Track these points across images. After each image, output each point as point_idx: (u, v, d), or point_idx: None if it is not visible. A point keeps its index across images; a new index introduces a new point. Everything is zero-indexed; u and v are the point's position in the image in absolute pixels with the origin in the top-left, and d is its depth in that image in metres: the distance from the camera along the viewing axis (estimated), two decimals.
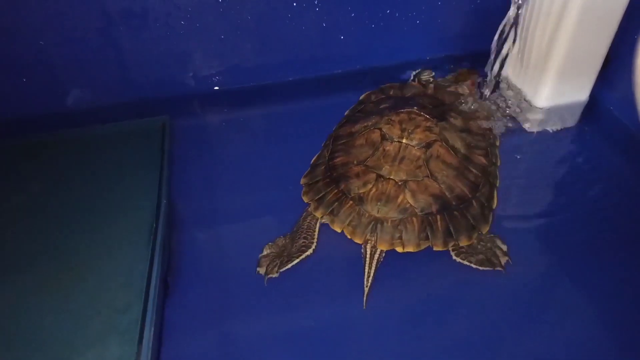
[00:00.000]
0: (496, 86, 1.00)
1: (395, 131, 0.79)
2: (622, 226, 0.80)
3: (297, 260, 0.74)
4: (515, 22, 0.92)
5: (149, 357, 0.64)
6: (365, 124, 0.85)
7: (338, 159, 0.82)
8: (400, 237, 0.72)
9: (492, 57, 0.96)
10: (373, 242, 0.73)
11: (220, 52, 1.07)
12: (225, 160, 0.97)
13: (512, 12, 0.90)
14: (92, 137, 1.01)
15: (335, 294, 0.74)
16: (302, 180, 0.85)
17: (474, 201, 0.77)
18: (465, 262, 0.74)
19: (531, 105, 0.97)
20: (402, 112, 0.82)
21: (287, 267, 0.74)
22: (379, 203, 0.74)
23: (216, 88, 1.12)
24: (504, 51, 0.95)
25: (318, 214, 0.77)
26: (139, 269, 0.74)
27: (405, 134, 0.79)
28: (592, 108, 0.98)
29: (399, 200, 0.74)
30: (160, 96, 1.09)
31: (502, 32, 0.93)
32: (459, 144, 0.81)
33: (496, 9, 0.95)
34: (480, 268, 0.73)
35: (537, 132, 0.96)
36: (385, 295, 0.72)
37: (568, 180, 0.88)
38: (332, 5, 1.04)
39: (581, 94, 0.96)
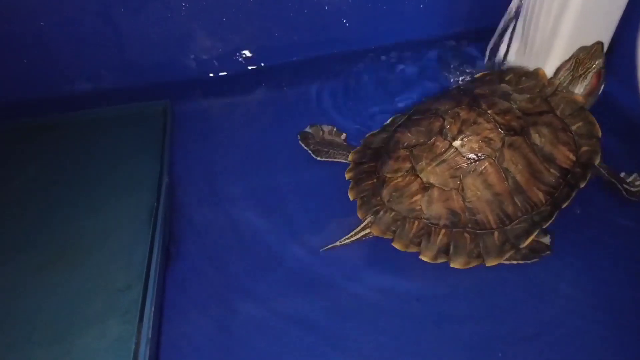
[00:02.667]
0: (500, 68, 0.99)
1: (453, 129, 0.73)
2: (620, 217, 0.80)
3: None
4: (520, 6, 0.91)
5: (149, 335, 0.65)
6: (440, 107, 0.78)
7: (398, 134, 0.80)
8: (394, 231, 0.72)
9: (495, 38, 0.96)
10: (369, 223, 0.74)
11: (221, 35, 1.06)
12: (227, 144, 0.97)
13: None
14: (93, 120, 1.01)
15: (336, 279, 0.74)
16: (365, 139, 0.86)
17: (497, 232, 0.70)
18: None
19: None
20: (472, 111, 0.74)
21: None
22: (394, 193, 0.74)
23: (218, 71, 1.11)
24: (508, 33, 0.94)
25: (347, 176, 0.81)
26: (140, 249, 0.75)
27: (460, 136, 0.72)
28: None
29: (413, 199, 0.72)
30: (162, 80, 1.09)
31: (509, 14, 0.93)
32: (517, 169, 0.71)
33: None
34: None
35: None
36: (387, 284, 0.73)
37: None
38: None
39: None
